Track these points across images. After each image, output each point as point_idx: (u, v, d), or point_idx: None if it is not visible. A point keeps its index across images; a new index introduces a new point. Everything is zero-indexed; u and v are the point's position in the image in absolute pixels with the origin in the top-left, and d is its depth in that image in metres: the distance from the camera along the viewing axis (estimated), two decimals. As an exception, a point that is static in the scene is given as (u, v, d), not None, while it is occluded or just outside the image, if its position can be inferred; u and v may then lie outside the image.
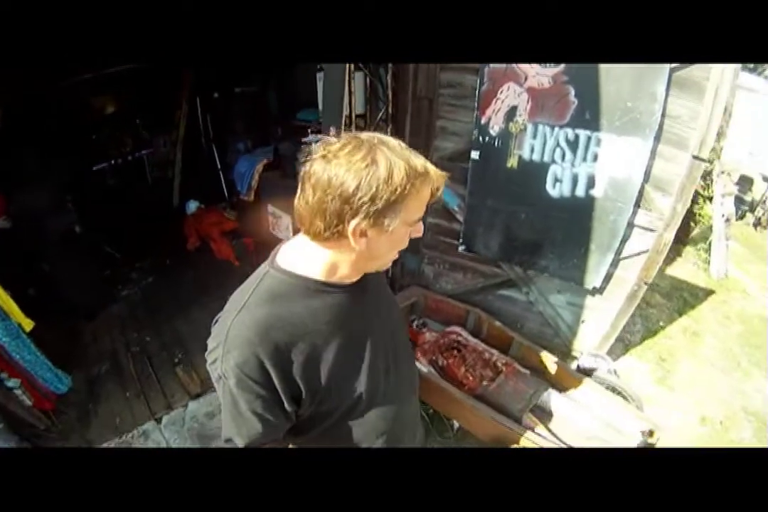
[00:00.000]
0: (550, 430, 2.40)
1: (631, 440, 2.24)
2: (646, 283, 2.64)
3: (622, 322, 2.84)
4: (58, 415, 2.63)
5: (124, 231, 4.09)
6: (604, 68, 2.17)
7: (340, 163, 0.78)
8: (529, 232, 2.77)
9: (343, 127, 2.84)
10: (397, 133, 3.03)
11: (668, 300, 3.93)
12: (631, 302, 2.74)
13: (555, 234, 2.69)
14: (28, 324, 2.53)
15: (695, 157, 2.21)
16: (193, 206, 4.34)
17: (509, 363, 2.69)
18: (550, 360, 2.67)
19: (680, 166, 2.26)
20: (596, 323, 2.92)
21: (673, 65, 2.06)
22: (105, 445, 2.48)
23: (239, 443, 0.93)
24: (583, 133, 2.34)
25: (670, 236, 2.45)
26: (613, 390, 2.60)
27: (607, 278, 2.72)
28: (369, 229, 0.83)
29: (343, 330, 0.95)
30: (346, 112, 2.74)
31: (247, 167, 3.73)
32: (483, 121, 2.58)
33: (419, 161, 0.84)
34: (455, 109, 2.73)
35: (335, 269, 0.92)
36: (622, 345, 3.42)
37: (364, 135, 0.83)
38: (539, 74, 2.33)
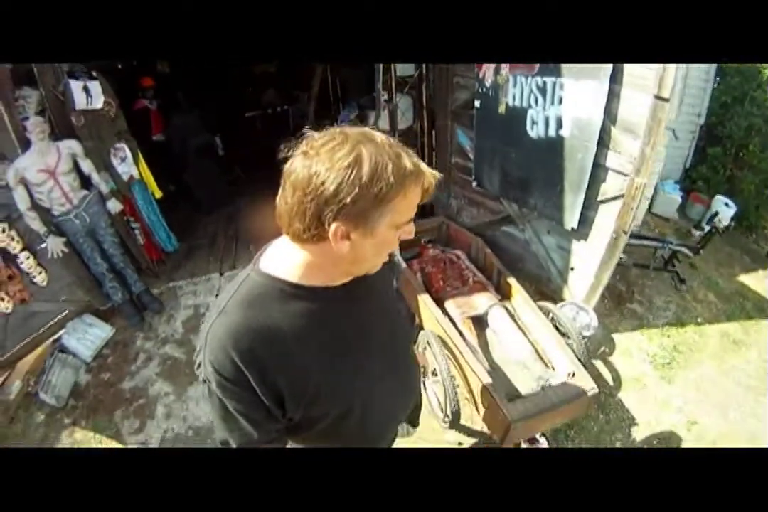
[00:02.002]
0: (482, 341, 2.81)
1: (549, 375, 2.50)
2: (624, 232, 2.72)
3: (605, 274, 2.93)
4: (159, 264, 4.00)
5: (257, 160, 5.50)
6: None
7: (322, 160, 0.75)
8: (517, 170, 3.11)
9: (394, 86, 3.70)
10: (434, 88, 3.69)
11: (723, 302, 3.60)
12: (611, 253, 2.83)
13: (537, 173, 2.99)
14: (158, 193, 3.82)
15: (656, 97, 2.30)
16: (315, 149, 5.60)
17: (481, 282, 3.09)
18: (516, 288, 2.97)
19: (643, 107, 2.36)
20: (582, 272, 3.06)
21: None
22: (181, 282, 3.82)
23: (233, 445, 0.95)
24: (549, 80, 2.64)
25: (641, 181, 2.51)
26: (566, 336, 2.74)
27: (589, 223, 2.88)
28: (352, 231, 0.80)
29: (325, 335, 0.93)
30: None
31: (344, 118, 4.79)
32: (480, 75, 3.05)
33: (409, 160, 0.79)
34: (465, 67, 3.25)
35: (317, 272, 0.90)
36: (637, 322, 3.37)
37: (351, 130, 0.79)
38: (513, 33, 2.73)
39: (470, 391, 2.53)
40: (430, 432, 2.64)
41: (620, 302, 3.52)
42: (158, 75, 4.91)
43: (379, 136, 0.80)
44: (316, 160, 0.75)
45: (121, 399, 2.99)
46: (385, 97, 3.81)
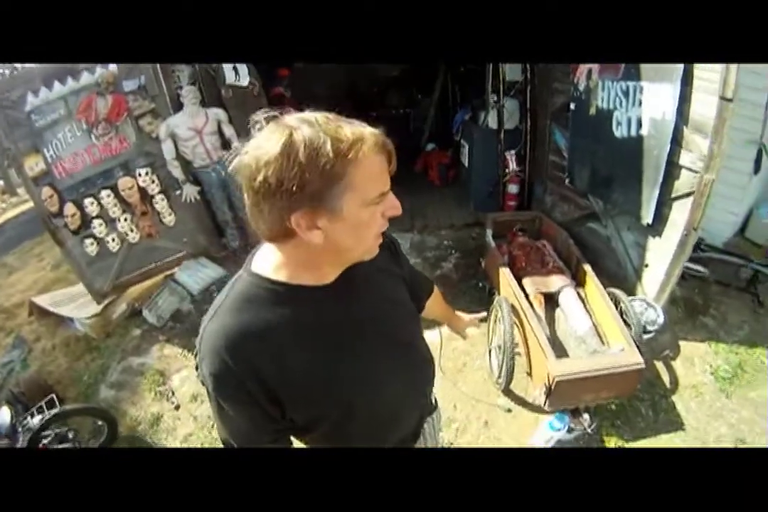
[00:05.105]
0: (549, 316, 3.36)
1: (603, 349, 2.93)
2: (695, 229, 3.11)
3: (676, 271, 3.30)
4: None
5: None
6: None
7: (257, 155, 0.78)
8: (604, 168, 3.74)
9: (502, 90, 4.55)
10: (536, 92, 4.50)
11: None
12: (682, 249, 3.21)
13: (620, 170, 3.59)
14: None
15: (722, 98, 2.77)
16: (430, 146, 6.65)
17: (559, 267, 3.66)
18: (590, 276, 3.44)
19: (711, 109, 2.84)
20: (655, 269, 3.48)
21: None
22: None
23: (234, 444, 1.04)
24: (631, 84, 3.27)
25: (710, 177, 2.96)
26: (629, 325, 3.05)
27: (663, 219, 3.34)
28: (317, 219, 0.82)
29: (320, 334, 0.98)
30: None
31: (458, 119, 5.67)
32: (575, 80, 3.76)
33: (349, 129, 0.80)
34: (562, 73, 3.95)
35: (305, 269, 0.94)
36: (707, 335, 3.51)
37: (287, 118, 0.82)
38: (601, 42, 3.40)
39: (528, 357, 3.07)
40: (485, 396, 3.22)
41: (694, 313, 3.74)
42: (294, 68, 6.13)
43: (315, 116, 0.82)
44: (253, 156, 0.79)
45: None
46: (495, 99, 4.63)
